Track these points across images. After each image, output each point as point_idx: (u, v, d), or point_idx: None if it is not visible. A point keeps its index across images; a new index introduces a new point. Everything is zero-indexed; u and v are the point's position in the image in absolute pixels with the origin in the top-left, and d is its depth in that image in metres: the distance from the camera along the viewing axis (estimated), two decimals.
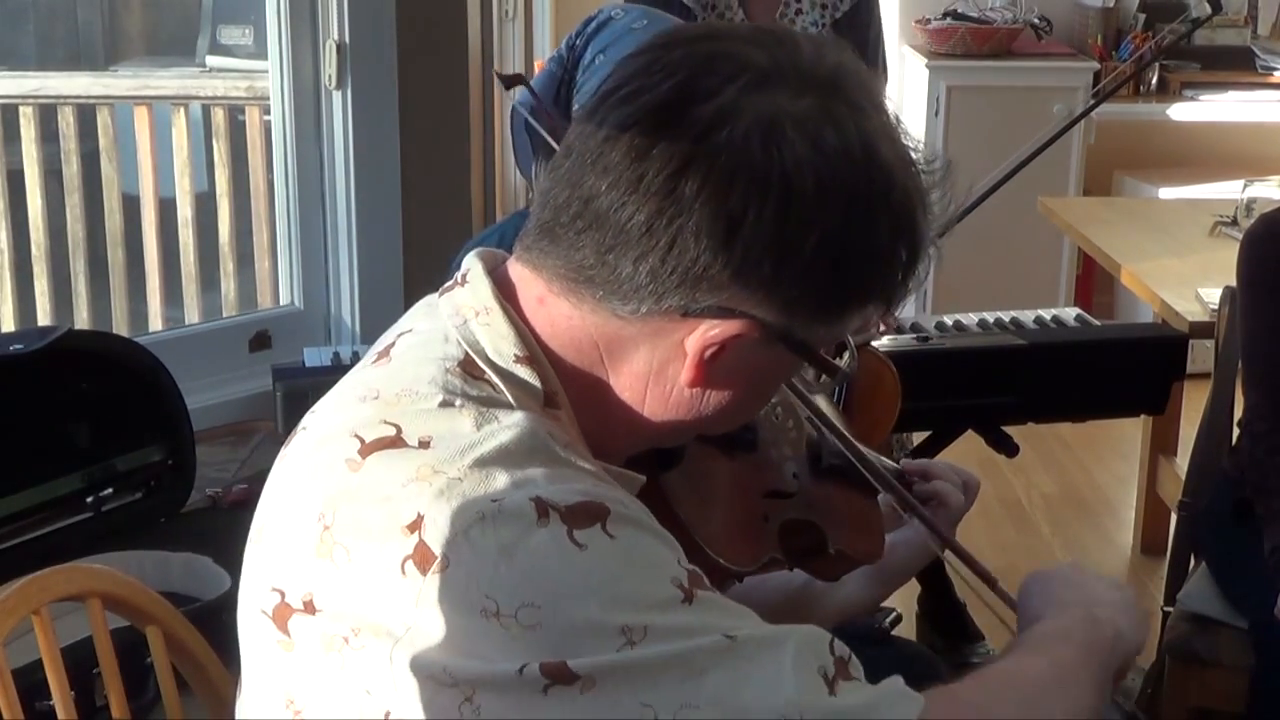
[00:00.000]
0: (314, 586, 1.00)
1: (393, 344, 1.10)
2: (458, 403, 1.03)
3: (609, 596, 0.94)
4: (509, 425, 1.01)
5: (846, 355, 1.12)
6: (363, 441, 1.01)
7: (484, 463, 0.98)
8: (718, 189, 0.98)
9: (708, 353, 1.03)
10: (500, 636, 0.93)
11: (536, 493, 0.96)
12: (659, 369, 1.06)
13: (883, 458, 1.47)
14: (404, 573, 0.95)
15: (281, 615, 1.01)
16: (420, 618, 0.95)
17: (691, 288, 1.01)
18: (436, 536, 0.95)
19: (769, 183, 0.98)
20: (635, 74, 1.04)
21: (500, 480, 0.97)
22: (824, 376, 1.11)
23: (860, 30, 2.88)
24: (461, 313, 1.08)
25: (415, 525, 0.96)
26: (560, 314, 1.06)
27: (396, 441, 1.00)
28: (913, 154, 1.05)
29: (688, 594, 0.96)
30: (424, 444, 1.00)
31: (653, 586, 0.96)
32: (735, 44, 1.03)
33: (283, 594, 1.02)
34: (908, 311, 3.04)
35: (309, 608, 1.00)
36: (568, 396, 1.07)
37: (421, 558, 0.95)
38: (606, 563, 0.95)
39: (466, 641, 0.94)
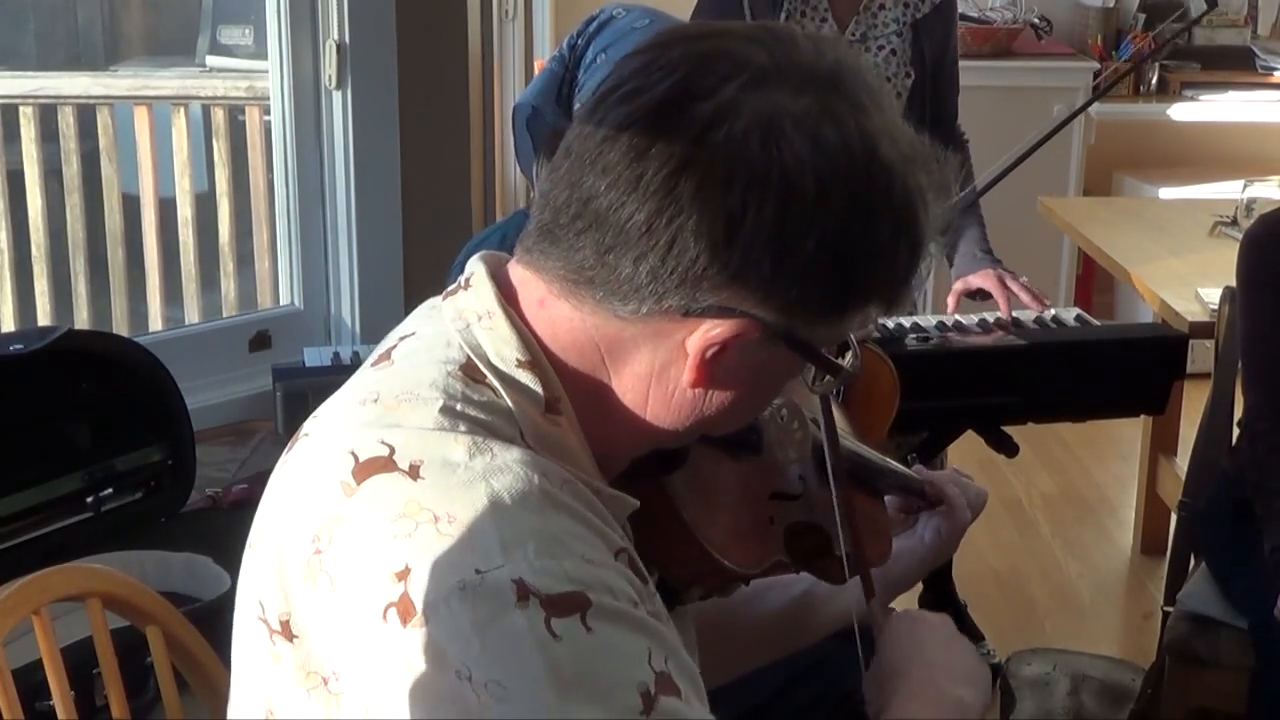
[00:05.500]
0: (294, 608, 1.00)
1: (394, 346, 1.10)
2: (458, 407, 1.02)
3: (573, 690, 0.93)
4: (501, 466, 0.99)
5: (849, 355, 1.11)
6: (357, 460, 1.00)
7: (474, 512, 0.97)
8: (717, 188, 0.98)
9: (709, 352, 1.03)
10: (472, 701, 0.93)
11: (520, 573, 0.94)
12: (660, 370, 1.05)
13: (890, 460, 1.47)
14: (385, 619, 0.95)
15: (271, 631, 1.02)
16: (395, 674, 0.95)
17: (692, 287, 1.00)
18: (420, 592, 0.95)
19: (768, 181, 0.98)
20: (634, 73, 1.03)
21: (489, 542, 0.95)
22: (826, 376, 1.10)
23: (940, 32, 2.86)
24: (464, 316, 1.08)
25: (403, 575, 0.95)
26: (561, 316, 1.06)
27: (388, 464, 0.99)
28: (915, 151, 1.04)
29: (649, 704, 0.95)
30: (414, 470, 0.99)
31: (618, 690, 0.94)
32: (734, 42, 1.03)
33: (264, 608, 1.03)
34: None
35: (285, 630, 1.01)
36: (570, 400, 1.06)
37: (404, 609, 0.95)
38: (578, 657, 0.93)
39: (441, 699, 0.94)
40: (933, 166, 1.05)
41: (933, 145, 1.06)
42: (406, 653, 0.94)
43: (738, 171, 0.98)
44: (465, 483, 0.98)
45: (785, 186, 0.98)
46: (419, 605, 0.94)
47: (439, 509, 0.97)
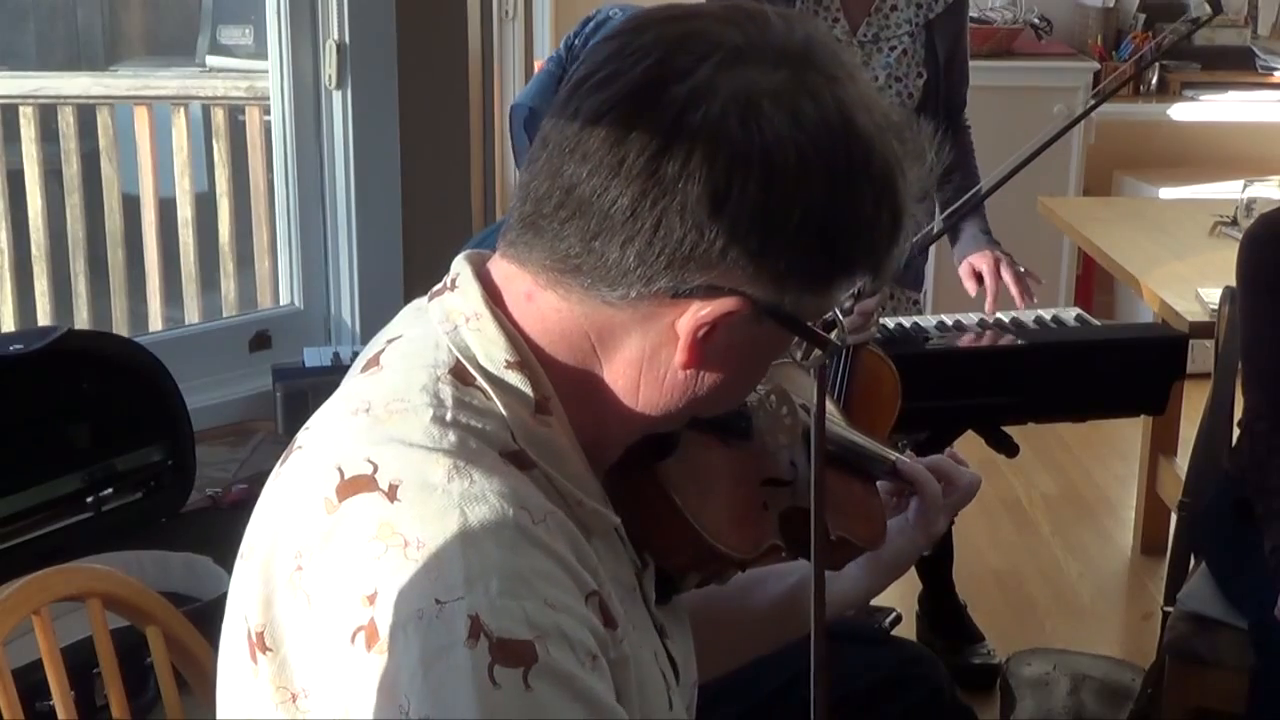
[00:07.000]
0: (272, 621, 1.00)
1: (382, 351, 1.10)
2: (448, 415, 1.02)
3: None
4: (479, 494, 0.98)
5: (836, 330, 1.11)
6: (342, 477, 1.00)
7: (444, 539, 0.96)
8: (699, 168, 0.98)
9: (700, 333, 1.03)
10: None
11: (477, 609, 0.93)
12: (651, 354, 1.05)
13: (877, 443, 1.46)
14: (353, 642, 0.95)
15: (251, 643, 1.02)
16: (357, 698, 0.95)
17: (679, 268, 1.00)
18: (384, 618, 0.95)
19: (750, 159, 0.98)
20: (608, 59, 1.03)
21: (453, 572, 0.95)
22: (815, 351, 1.10)
23: (952, 32, 2.86)
24: (452, 318, 1.07)
25: (372, 599, 0.95)
26: (549, 307, 1.06)
27: (369, 484, 0.99)
28: (889, 120, 1.04)
29: None
30: (392, 490, 0.98)
31: None
32: (706, 23, 1.03)
33: (247, 619, 1.03)
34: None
35: (261, 642, 1.01)
36: (561, 394, 1.06)
37: (370, 634, 0.95)
38: (509, 712, 0.92)
39: None
40: (906, 134, 1.05)
41: (906, 113, 1.06)
42: (367, 678, 0.94)
43: (719, 151, 0.98)
44: (440, 509, 0.97)
45: (767, 163, 0.98)
46: (382, 631, 0.94)
47: (410, 534, 0.96)
